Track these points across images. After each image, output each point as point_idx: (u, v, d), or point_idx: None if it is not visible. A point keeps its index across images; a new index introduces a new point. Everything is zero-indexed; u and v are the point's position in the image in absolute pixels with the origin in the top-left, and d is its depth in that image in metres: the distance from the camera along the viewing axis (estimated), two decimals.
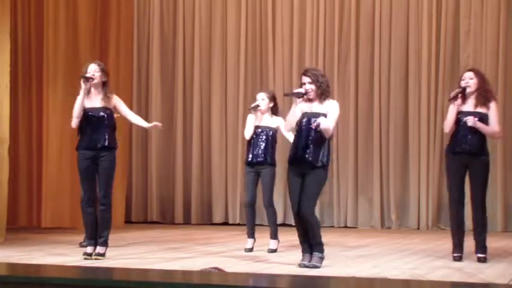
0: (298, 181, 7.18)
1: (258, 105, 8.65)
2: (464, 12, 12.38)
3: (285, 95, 7.45)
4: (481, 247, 7.75)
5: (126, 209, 12.97)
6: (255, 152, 8.67)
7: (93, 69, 7.90)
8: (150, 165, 13.61)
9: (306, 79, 7.25)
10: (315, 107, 7.23)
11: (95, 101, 7.91)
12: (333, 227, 12.50)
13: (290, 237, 9.32)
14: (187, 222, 13.29)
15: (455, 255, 7.81)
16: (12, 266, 6.80)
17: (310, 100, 7.23)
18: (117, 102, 7.96)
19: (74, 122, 7.95)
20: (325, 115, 7.18)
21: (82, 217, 8.27)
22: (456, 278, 6.70)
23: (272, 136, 8.67)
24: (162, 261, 7.90)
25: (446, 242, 9.81)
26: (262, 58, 13.28)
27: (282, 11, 13.18)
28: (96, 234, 7.87)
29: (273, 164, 8.70)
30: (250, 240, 8.75)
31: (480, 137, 7.71)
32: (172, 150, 13.56)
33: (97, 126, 7.86)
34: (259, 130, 8.67)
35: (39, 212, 11.70)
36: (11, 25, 10.43)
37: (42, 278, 5.32)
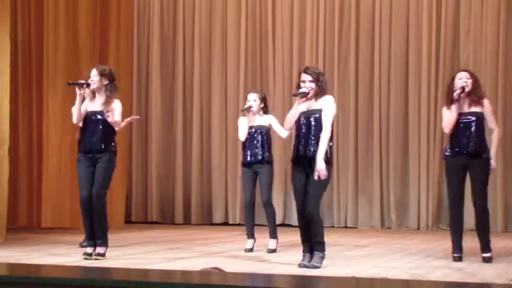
0: (302, 180, 7.17)
1: (251, 107, 8.67)
2: (464, 12, 12.38)
3: (294, 95, 7.39)
4: (486, 247, 7.74)
5: (126, 209, 12.97)
6: (252, 152, 8.67)
7: (92, 74, 7.91)
8: (150, 165, 13.62)
9: (306, 77, 7.24)
10: (310, 104, 7.24)
11: (97, 104, 7.91)
12: (333, 227, 12.50)
13: (290, 237, 9.32)
14: (187, 222, 13.29)
15: (455, 255, 7.81)
16: (12, 266, 6.81)
17: (308, 99, 7.24)
18: (114, 106, 7.91)
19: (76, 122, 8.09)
20: (320, 112, 7.16)
21: (82, 217, 8.27)
22: (456, 278, 6.70)
23: (266, 134, 8.70)
24: (162, 261, 7.90)
25: (446, 242, 9.81)
26: (262, 58, 13.28)
27: (282, 11, 13.18)
28: (95, 234, 7.87)
29: (270, 162, 8.72)
30: (250, 241, 8.75)
31: (480, 137, 7.71)
32: (172, 150, 13.56)
33: (94, 129, 7.86)
34: (253, 130, 8.68)
35: (39, 212, 11.70)
36: (11, 25, 10.43)
37: (42, 278, 5.33)
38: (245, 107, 8.73)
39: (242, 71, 13.27)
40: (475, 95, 7.76)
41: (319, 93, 7.22)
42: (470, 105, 7.75)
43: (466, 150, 7.70)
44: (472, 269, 7.24)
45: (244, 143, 8.75)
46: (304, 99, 7.21)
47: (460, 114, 7.73)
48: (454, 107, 7.74)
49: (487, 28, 12.26)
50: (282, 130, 8.43)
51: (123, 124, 8.28)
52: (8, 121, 9.86)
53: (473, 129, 7.69)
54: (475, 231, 7.86)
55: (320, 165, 6.96)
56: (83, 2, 11.89)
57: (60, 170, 11.57)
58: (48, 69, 11.65)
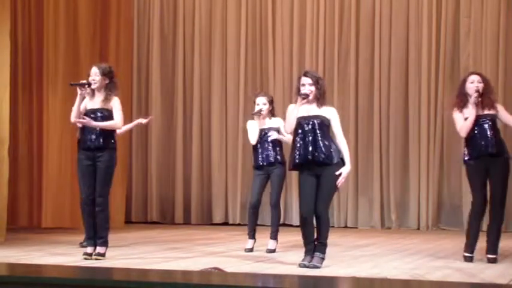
0: (312, 183, 7.18)
1: (261, 110, 8.65)
2: (464, 12, 12.37)
3: (299, 95, 7.40)
4: (492, 248, 7.73)
5: (126, 209, 12.97)
6: (264, 155, 8.66)
7: (93, 73, 7.91)
8: (150, 165, 13.61)
9: (306, 80, 7.28)
10: (312, 110, 7.27)
11: (96, 102, 7.92)
12: (333, 227, 12.41)
13: (290, 238, 9.33)
14: (187, 222, 13.28)
15: (467, 254, 7.77)
16: (12, 266, 6.80)
17: (308, 102, 7.27)
18: (114, 104, 7.91)
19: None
20: (325, 118, 7.24)
21: (82, 217, 8.27)
22: (456, 278, 6.70)
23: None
24: (162, 261, 7.90)
25: (446, 242, 9.84)
26: (262, 58, 13.28)
27: (282, 11, 13.18)
28: (96, 234, 7.87)
29: (282, 163, 8.70)
30: (251, 241, 8.75)
31: (498, 137, 7.73)
32: (172, 150, 13.56)
33: (93, 127, 7.86)
34: (264, 133, 8.67)
35: (39, 212, 11.69)
36: (11, 25, 10.43)
37: (42, 278, 5.32)
38: (255, 111, 8.69)
39: (242, 71, 13.27)
40: (487, 98, 7.76)
41: (319, 98, 7.26)
42: (483, 108, 7.76)
43: (486, 151, 7.69)
44: (472, 269, 7.24)
45: (255, 146, 8.73)
46: (305, 101, 7.23)
47: (476, 117, 7.73)
48: (471, 111, 7.71)
49: (487, 28, 12.25)
50: (287, 138, 8.45)
51: (129, 126, 8.18)
52: (8, 121, 9.86)
53: (488, 130, 7.69)
54: (484, 231, 7.85)
55: (346, 170, 7.22)
56: (83, 2, 11.89)
57: (60, 170, 11.57)
58: (48, 69, 11.65)
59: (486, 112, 7.75)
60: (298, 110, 7.24)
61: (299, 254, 7.35)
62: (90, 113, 7.88)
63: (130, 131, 13.09)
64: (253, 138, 8.68)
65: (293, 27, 13.13)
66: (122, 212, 12.48)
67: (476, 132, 7.73)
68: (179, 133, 13.52)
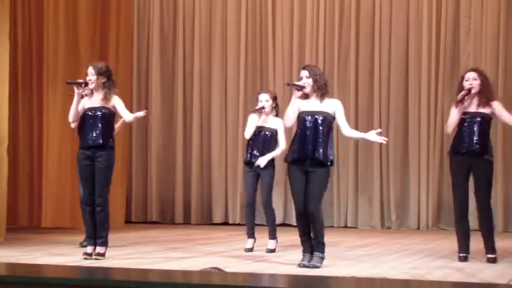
0: (303, 180, 7.17)
1: (263, 107, 8.64)
2: (464, 12, 12.38)
3: (288, 84, 7.54)
4: (490, 248, 7.73)
5: (126, 209, 12.97)
6: (253, 153, 8.67)
7: (90, 73, 7.91)
8: (150, 165, 13.61)
9: (304, 73, 7.31)
10: (315, 105, 7.25)
11: (95, 101, 7.92)
12: (333, 227, 12.50)
13: (290, 237, 9.32)
14: (187, 222, 13.29)
15: (460, 255, 7.78)
16: (12, 266, 6.80)
17: (306, 96, 7.25)
18: (116, 102, 7.93)
19: (72, 124, 8.09)
20: (328, 114, 7.23)
21: (82, 217, 8.27)
22: (456, 278, 6.70)
23: (272, 137, 8.67)
24: (162, 261, 7.90)
25: (446, 242, 9.83)
26: (262, 58, 13.29)
27: (282, 11, 13.18)
28: (95, 234, 7.87)
29: (272, 165, 8.69)
30: (250, 240, 8.75)
31: (483, 137, 7.70)
32: (172, 150, 13.56)
33: (93, 124, 7.85)
34: (261, 131, 8.67)
35: (39, 212, 11.70)
36: (12, 25, 10.44)
37: (42, 278, 5.32)
38: (257, 107, 8.69)
39: (242, 71, 13.28)
40: (483, 96, 7.73)
41: (320, 91, 7.24)
42: (478, 106, 7.74)
43: (468, 150, 7.69)
44: (472, 269, 7.24)
45: (248, 141, 8.74)
46: (300, 93, 7.23)
47: (466, 114, 7.72)
48: (458, 108, 7.73)
49: (487, 28, 12.26)
50: (283, 141, 8.47)
51: (138, 115, 8.07)
52: (7, 121, 9.85)
53: (476, 129, 7.68)
54: (478, 231, 7.85)
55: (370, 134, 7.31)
56: (83, 2, 11.89)
57: (60, 170, 11.57)
58: (48, 69, 11.66)
59: (479, 110, 7.74)
60: (295, 103, 7.23)
61: (299, 254, 7.35)
62: (90, 111, 7.88)
63: (130, 130, 13.13)
64: (247, 133, 8.69)
65: (293, 27, 13.13)
66: (122, 212, 12.48)
67: (464, 129, 7.72)
68: (179, 133, 13.52)
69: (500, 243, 8.20)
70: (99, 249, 7.85)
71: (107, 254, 7.88)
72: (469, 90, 7.72)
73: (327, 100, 7.28)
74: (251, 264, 7.64)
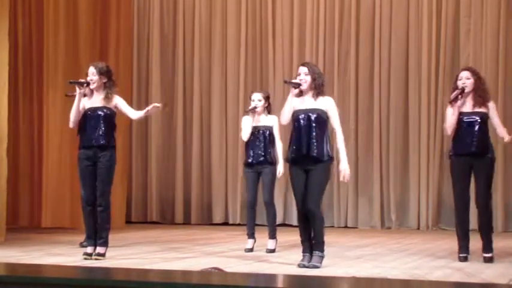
0: (302, 178, 7.18)
1: (256, 107, 8.66)
2: (464, 12, 12.38)
3: (285, 81, 7.55)
4: (487, 247, 7.73)
5: (126, 209, 12.97)
6: (254, 153, 8.68)
7: (91, 73, 7.91)
8: (150, 165, 13.61)
9: (302, 69, 7.29)
10: (309, 103, 7.24)
11: (96, 100, 7.92)
12: (333, 227, 12.50)
13: (290, 237, 9.32)
14: (187, 222, 13.29)
15: (461, 255, 7.78)
16: (12, 266, 6.80)
17: (302, 92, 7.25)
18: (118, 101, 7.96)
19: (72, 124, 8.09)
20: (322, 112, 7.21)
21: (83, 216, 8.27)
22: (456, 278, 6.70)
23: (270, 135, 8.69)
24: (162, 261, 7.90)
25: (446, 242, 9.83)
26: (262, 58, 13.29)
27: (282, 11, 13.18)
28: (96, 234, 7.87)
29: (273, 163, 8.70)
30: (251, 241, 8.75)
31: (483, 136, 7.69)
32: (172, 150, 13.57)
33: (94, 124, 7.86)
34: (257, 130, 8.68)
35: (39, 212, 11.70)
36: (12, 25, 10.44)
37: (42, 278, 5.32)
38: (250, 107, 8.70)
39: (242, 71, 13.28)
40: (478, 95, 7.72)
41: (316, 90, 7.23)
42: (474, 106, 7.73)
43: (469, 150, 7.68)
44: (472, 269, 7.24)
45: (247, 143, 8.74)
46: (297, 90, 7.23)
47: (463, 114, 7.72)
48: (454, 109, 7.73)
49: (487, 28, 12.26)
50: (277, 140, 8.53)
51: (146, 110, 8.07)
52: (6, 121, 9.85)
53: (476, 128, 7.67)
54: (477, 231, 7.85)
55: (345, 166, 7.17)
56: (83, 2, 11.89)
57: (60, 170, 11.58)
58: (48, 69, 11.66)
59: (476, 110, 7.73)
60: (291, 100, 7.23)
61: (299, 254, 7.34)
62: (90, 111, 7.88)
63: (130, 130, 13.11)
64: (245, 135, 8.69)
65: (293, 27, 13.13)
66: (122, 212, 12.49)
67: (463, 129, 7.72)
68: (179, 133, 13.52)
69: (500, 243, 8.21)
70: (99, 249, 7.85)
71: (107, 254, 7.89)
72: (463, 89, 7.72)
73: (321, 98, 7.26)
74: (251, 264, 7.64)
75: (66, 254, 8.30)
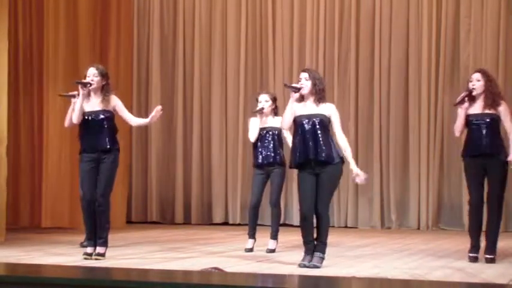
0: (312, 182, 7.18)
1: (263, 108, 8.64)
2: (464, 12, 12.37)
3: (285, 85, 7.60)
4: (491, 248, 7.72)
5: (126, 209, 12.96)
6: (264, 154, 8.65)
7: (92, 74, 7.90)
8: (150, 165, 13.61)
9: (303, 75, 7.32)
10: (311, 108, 7.26)
11: (94, 103, 7.91)
12: (333, 227, 12.40)
13: (290, 238, 9.32)
14: (187, 222, 13.28)
15: (471, 255, 7.75)
16: (12, 266, 6.80)
17: (302, 98, 7.26)
18: (117, 104, 7.94)
19: (68, 123, 8.09)
20: (324, 117, 7.23)
21: (82, 217, 8.26)
22: (456, 278, 6.70)
23: (278, 136, 8.68)
24: (162, 261, 7.90)
25: (446, 242, 9.84)
26: (262, 58, 13.28)
27: (282, 11, 13.17)
28: (96, 234, 7.87)
29: (282, 164, 8.68)
30: (251, 241, 8.75)
31: (495, 137, 7.68)
32: (173, 150, 13.56)
33: (97, 129, 7.85)
34: (265, 131, 8.66)
35: (39, 212, 11.69)
36: (12, 26, 10.44)
37: (42, 278, 5.32)
38: (257, 108, 8.69)
39: (242, 71, 13.27)
40: (488, 97, 7.70)
41: (317, 95, 7.25)
42: (484, 107, 7.71)
43: (480, 151, 7.68)
44: (472, 269, 7.24)
45: (255, 144, 8.71)
46: (297, 95, 7.24)
47: (472, 116, 7.71)
48: (461, 111, 7.73)
49: (487, 28, 12.25)
50: (290, 137, 8.42)
51: (149, 119, 8.07)
52: (6, 121, 9.85)
53: (485, 131, 7.65)
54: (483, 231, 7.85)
55: (355, 169, 7.32)
56: (83, 2, 11.89)
57: (60, 170, 11.57)
58: (49, 69, 11.65)
59: (487, 111, 7.72)
60: (292, 105, 7.25)
61: (299, 254, 7.34)
62: (91, 115, 7.86)
63: (130, 130, 13.09)
64: (252, 136, 8.67)
65: (293, 27, 13.13)
66: (122, 212, 12.48)
67: (472, 131, 7.73)
68: (179, 133, 13.52)
69: (500, 243, 8.18)
70: (99, 249, 7.85)
71: (107, 254, 7.88)
72: (470, 91, 7.72)
73: (323, 104, 7.30)
74: (251, 264, 7.64)
75: (66, 254, 8.29)
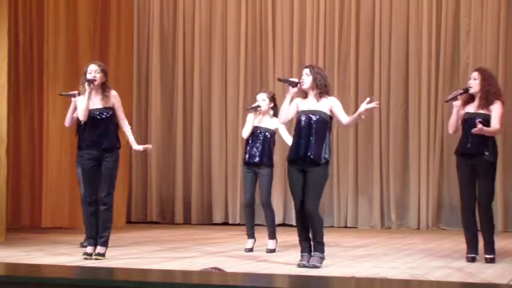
0: (300, 179, 7.21)
1: (258, 106, 8.64)
2: (464, 12, 12.38)
3: (279, 79, 7.61)
4: (489, 248, 7.73)
5: (126, 209, 12.97)
6: (251, 153, 8.67)
7: (93, 70, 7.90)
8: (150, 165, 13.61)
9: (305, 70, 7.36)
10: (311, 104, 7.27)
11: (95, 101, 7.92)
12: (333, 227, 12.50)
13: (290, 237, 9.33)
14: (187, 222, 13.28)
15: (469, 255, 7.77)
16: (12, 266, 6.80)
17: (305, 94, 7.28)
18: (115, 102, 7.95)
19: (68, 122, 8.11)
20: (324, 114, 7.23)
21: (83, 217, 8.27)
22: (456, 278, 6.71)
23: (270, 138, 8.67)
24: (162, 261, 7.91)
25: (446, 242, 9.84)
26: (262, 58, 13.28)
27: (282, 11, 13.18)
28: (97, 234, 7.87)
29: (270, 165, 8.69)
30: (250, 241, 8.76)
31: (482, 137, 7.69)
32: (172, 151, 13.56)
33: (100, 127, 7.87)
34: (258, 131, 8.66)
35: (39, 212, 11.69)
36: (12, 25, 10.44)
37: (42, 278, 5.32)
38: (252, 105, 8.70)
39: (242, 71, 13.27)
40: (481, 97, 7.70)
41: (318, 90, 7.25)
42: (478, 107, 7.72)
43: (466, 151, 7.70)
44: (472, 269, 7.24)
45: (246, 142, 8.74)
46: (295, 89, 7.25)
47: (467, 114, 7.73)
48: (455, 108, 7.75)
49: (487, 28, 12.26)
50: (288, 137, 8.40)
51: (135, 147, 8.28)
52: (6, 121, 9.85)
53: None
54: (479, 231, 7.85)
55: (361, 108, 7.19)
56: (83, 2, 11.89)
57: (60, 170, 11.57)
58: (49, 69, 11.65)
59: (480, 111, 7.72)
60: (288, 100, 7.26)
61: (299, 254, 7.35)
62: (92, 113, 7.87)
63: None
64: (245, 133, 8.70)
65: (293, 27, 13.13)
66: (122, 212, 12.48)
67: (464, 129, 7.75)
68: (179, 133, 13.52)
69: (500, 243, 8.22)
70: (100, 249, 7.85)
71: (107, 254, 7.89)
72: (466, 89, 7.73)
73: (324, 99, 7.28)
74: (251, 264, 7.64)
75: (66, 254, 8.30)
